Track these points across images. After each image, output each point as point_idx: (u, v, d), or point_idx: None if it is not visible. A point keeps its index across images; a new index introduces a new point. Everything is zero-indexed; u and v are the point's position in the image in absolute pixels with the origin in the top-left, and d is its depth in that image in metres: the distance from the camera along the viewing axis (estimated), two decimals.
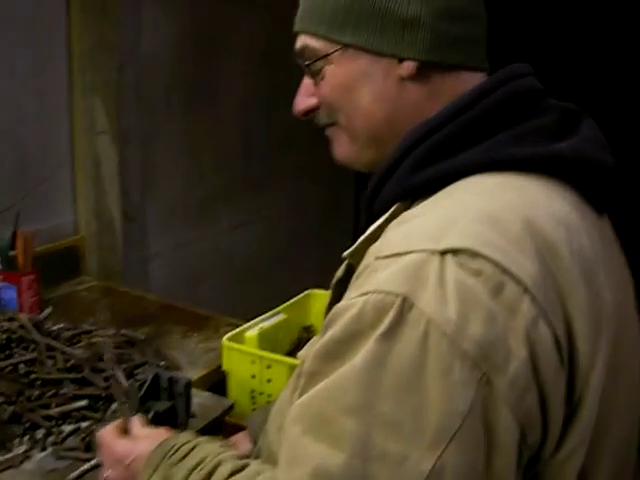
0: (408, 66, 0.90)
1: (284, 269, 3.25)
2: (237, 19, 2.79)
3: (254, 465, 0.91)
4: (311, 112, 0.99)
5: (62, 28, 2.12)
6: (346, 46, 0.92)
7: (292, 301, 1.89)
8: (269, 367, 1.62)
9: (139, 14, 2.33)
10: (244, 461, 0.92)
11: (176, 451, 0.97)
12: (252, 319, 1.77)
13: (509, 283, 0.73)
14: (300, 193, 3.36)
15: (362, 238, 0.91)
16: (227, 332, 1.72)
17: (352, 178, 3.61)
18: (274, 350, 1.70)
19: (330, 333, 0.78)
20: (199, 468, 0.92)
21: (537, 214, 0.80)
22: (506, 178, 0.84)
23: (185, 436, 1.01)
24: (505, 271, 0.74)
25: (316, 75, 0.95)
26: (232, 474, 0.89)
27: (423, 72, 0.91)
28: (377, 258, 0.79)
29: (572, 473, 0.78)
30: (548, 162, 0.85)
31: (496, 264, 0.74)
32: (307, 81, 0.99)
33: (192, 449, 0.96)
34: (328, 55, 0.93)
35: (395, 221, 0.87)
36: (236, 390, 1.67)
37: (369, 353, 0.73)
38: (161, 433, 1.06)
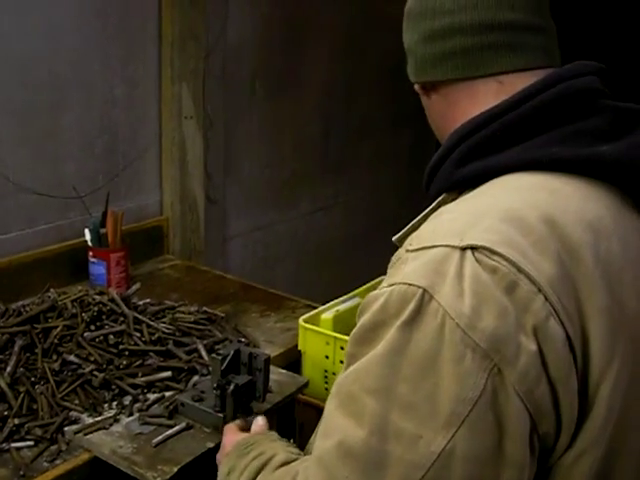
0: (417, 88, 1.05)
1: (360, 253, 3.30)
2: (319, 7, 2.84)
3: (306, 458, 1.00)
4: None
5: (153, 20, 2.22)
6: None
7: (367, 285, 1.93)
8: (343, 349, 1.67)
9: (226, 5, 2.42)
10: (297, 451, 1.04)
11: (246, 447, 1.08)
12: (326, 302, 1.83)
13: (523, 282, 0.77)
14: (378, 178, 3.41)
15: (409, 226, 0.97)
16: (303, 313, 1.79)
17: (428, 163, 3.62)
18: (348, 333, 1.72)
19: (362, 320, 0.84)
20: (258, 459, 1.02)
21: (565, 217, 0.82)
22: (543, 178, 0.86)
23: (259, 437, 1.12)
24: (520, 270, 0.77)
25: None
26: (283, 464, 0.99)
27: (432, 89, 1.03)
28: (407, 250, 0.84)
29: (583, 475, 0.80)
30: (588, 164, 0.86)
31: (512, 263, 0.77)
32: None
33: (255, 443, 1.08)
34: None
35: (435, 213, 0.92)
36: (310, 369, 1.74)
37: (390, 340, 0.79)
38: (248, 435, 1.16)
